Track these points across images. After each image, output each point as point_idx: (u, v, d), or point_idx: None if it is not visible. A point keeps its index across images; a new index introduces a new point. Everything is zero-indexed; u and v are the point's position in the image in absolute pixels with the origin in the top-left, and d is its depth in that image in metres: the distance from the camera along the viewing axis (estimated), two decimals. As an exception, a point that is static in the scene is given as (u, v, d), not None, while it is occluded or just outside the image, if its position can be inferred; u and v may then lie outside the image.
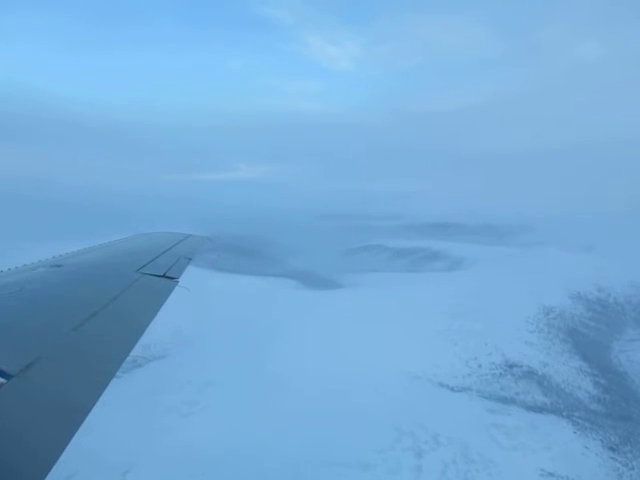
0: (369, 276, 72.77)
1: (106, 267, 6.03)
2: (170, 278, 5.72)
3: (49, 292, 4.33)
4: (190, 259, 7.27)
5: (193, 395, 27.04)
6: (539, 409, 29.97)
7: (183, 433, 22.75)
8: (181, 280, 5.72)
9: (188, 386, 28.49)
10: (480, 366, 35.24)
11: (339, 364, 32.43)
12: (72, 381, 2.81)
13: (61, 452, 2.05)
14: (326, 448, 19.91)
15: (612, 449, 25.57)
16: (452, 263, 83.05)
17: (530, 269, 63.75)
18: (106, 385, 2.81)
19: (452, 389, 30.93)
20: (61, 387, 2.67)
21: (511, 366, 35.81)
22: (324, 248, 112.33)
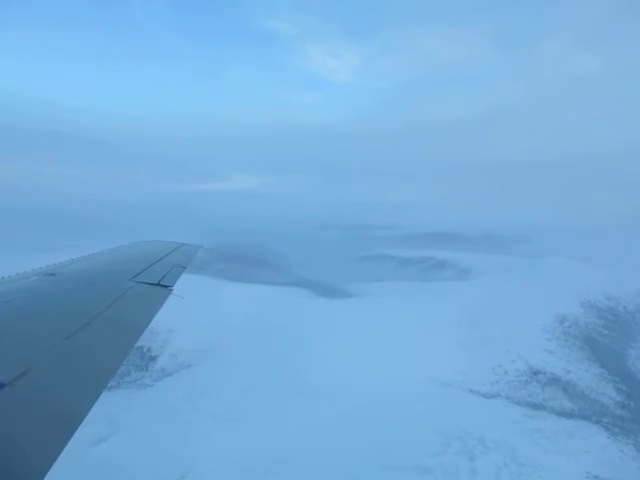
0: (379, 285, 73.36)
1: (99, 276, 5.93)
2: (164, 286, 5.64)
3: (42, 301, 4.27)
4: (184, 267, 7.22)
5: (232, 402, 27.21)
6: (569, 415, 30.53)
7: (231, 439, 22.92)
8: (175, 288, 5.66)
9: (224, 393, 28.62)
10: (506, 373, 35.80)
11: (371, 372, 32.75)
12: (64, 390, 2.76)
13: (54, 461, 2.03)
14: (382, 453, 20.27)
15: (646, 453, 26.14)
16: (459, 272, 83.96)
17: (538, 278, 64.89)
18: (99, 394, 2.74)
19: (484, 395, 31.44)
20: (53, 396, 2.65)
21: (535, 373, 36.41)
22: (329, 258, 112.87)
